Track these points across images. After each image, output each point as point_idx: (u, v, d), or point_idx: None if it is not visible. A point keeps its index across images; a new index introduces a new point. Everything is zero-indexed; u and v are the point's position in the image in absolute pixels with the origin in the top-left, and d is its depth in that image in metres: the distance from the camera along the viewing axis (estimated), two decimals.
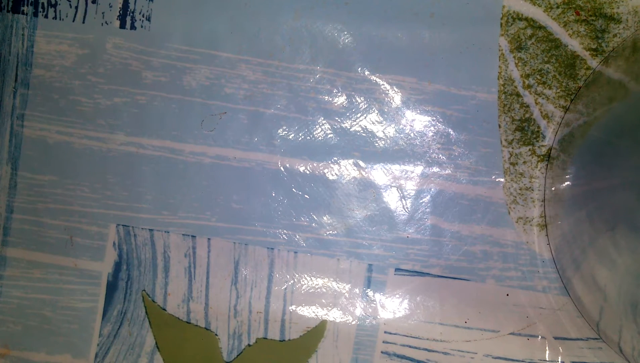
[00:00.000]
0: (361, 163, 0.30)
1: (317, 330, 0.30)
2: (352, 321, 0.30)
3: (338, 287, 0.30)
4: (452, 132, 0.30)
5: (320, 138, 0.30)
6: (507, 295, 0.30)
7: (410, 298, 0.30)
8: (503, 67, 0.30)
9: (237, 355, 0.31)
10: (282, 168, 0.30)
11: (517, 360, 0.30)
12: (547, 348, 0.30)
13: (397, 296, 0.30)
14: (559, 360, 0.30)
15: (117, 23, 0.31)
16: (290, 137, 0.30)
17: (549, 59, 0.29)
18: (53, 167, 0.31)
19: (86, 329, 0.31)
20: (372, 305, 0.30)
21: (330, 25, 0.30)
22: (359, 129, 0.30)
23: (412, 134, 0.30)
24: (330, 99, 0.30)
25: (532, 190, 0.30)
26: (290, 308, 0.30)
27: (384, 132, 0.30)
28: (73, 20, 0.31)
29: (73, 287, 0.31)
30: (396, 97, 0.30)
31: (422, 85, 0.30)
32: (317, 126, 0.30)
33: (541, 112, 0.30)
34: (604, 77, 0.28)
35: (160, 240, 0.31)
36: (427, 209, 0.30)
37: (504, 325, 0.30)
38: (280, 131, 0.30)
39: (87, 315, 0.31)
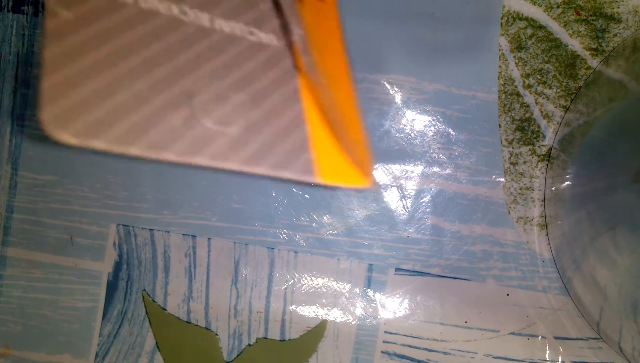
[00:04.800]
0: None
1: (317, 330, 0.30)
2: (353, 321, 0.30)
3: (338, 287, 0.30)
4: (452, 132, 0.30)
5: None
6: (507, 294, 0.30)
7: (410, 298, 0.30)
8: (503, 67, 0.30)
9: (237, 355, 0.31)
10: None
11: (517, 360, 0.30)
12: (547, 348, 0.30)
13: (397, 296, 0.30)
14: (559, 360, 0.30)
15: None
16: None
17: (549, 59, 0.29)
18: (53, 167, 0.31)
19: (86, 329, 0.31)
20: (373, 304, 0.30)
21: None
22: None
23: (412, 134, 0.30)
24: None
25: (533, 190, 0.30)
26: (290, 308, 0.30)
27: (384, 132, 0.30)
28: None
29: (73, 287, 0.31)
30: (396, 97, 0.30)
31: (422, 85, 0.30)
32: None
33: (541, 112, 0.30)
34: (604, 77, 0.28)
35: (160, 239, 0.31)
36: (427, 209, 0.30)
37: (504, 325, 0.30)
38: None
39: (88, 314, 0.31)
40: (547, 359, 0.30)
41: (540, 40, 0.29)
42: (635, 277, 0.23)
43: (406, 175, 0.30)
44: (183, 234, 0.31)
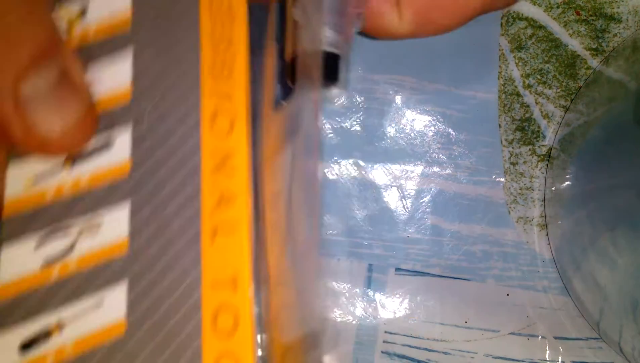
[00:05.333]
0: (361, 163, 0.30)
1: None
2: (352, 321, 0.30)
3: (338, 287, 0.30)
4: (452, 132, 0.30)
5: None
6: (507, 294, 0.30)
7: (410, 298, 0.30)
8: (503, 67, 0.30)
9: None
10: None
11: (517, 360, 0.30)
12: (547, 348, 0.30)
13: (398, 296, 0.30)
14: (559, 360, 0.30)
15: None
16: None
17: (549, 59, 0.29)
18: None
19: None
20: (372, 304, 0.30)
21: None
22: (359, 129, 0.30)
23: (412, 134, 0.30)
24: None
25: (533, 190, 0.30)
26: None
27: (384, 132, 0.30)
28: None
29: None
30: (396, 97, 0.30)
31: (422, 85, 0.30)
32: None
33: (541, 112, 0.30)
34: (604, 77, 0.28)
35: None
36: (427, 209, 0.30)
37: (504, 325, 0.30)
38: None
39: None
40: (547, 359, 0.30)
41: (540, 40, 0.29)
42: (635, 277, 0.23)
43: (406, 175, 0.30)
44: None
